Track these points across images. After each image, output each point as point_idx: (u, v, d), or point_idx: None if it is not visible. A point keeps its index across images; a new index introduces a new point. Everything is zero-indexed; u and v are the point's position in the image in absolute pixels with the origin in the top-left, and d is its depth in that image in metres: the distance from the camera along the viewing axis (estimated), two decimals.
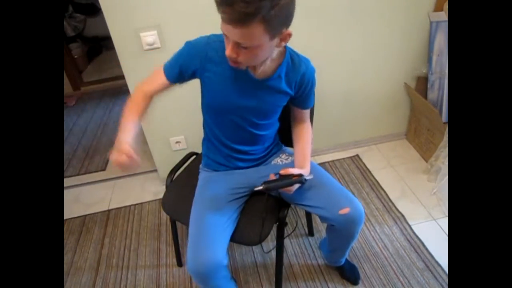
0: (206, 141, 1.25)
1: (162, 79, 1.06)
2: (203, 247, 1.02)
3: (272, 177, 1.09)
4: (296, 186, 1.08)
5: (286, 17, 0.86)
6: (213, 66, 1.02)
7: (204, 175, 1.27)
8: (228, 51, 0.89)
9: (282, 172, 1.07)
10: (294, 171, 1.07)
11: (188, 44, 1.03)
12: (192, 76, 1.06)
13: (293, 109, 1.20)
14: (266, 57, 0.97)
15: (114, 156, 0.92)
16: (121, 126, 1.02)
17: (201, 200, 1.16)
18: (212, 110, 1.13)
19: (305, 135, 1.21)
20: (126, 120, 1.03)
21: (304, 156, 1.16)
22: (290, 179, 1.06)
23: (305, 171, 1.10)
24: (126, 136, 0.99)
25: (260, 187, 1.06)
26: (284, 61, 1.03)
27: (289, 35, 0.91)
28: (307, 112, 1.21)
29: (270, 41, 0.87)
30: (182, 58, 1.03)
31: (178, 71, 1.04)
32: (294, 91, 1.09)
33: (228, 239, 1.09)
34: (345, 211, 1.06)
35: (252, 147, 1.20)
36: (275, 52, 0.99)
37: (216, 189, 1.17)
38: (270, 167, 1.24)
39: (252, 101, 1.07)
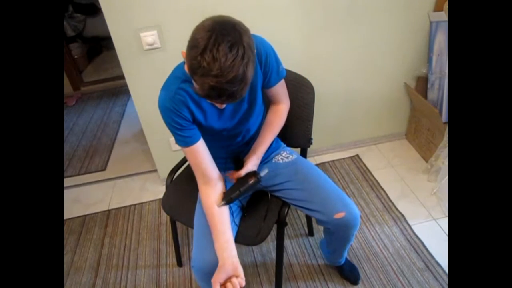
0: None
1: (196, 149, 1.02)
2: (209, 247, 1.02)
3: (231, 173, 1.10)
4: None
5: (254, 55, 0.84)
6: (196, 106, 1.00)
7: None
8: (222, 106, 0.93)
9: (236, 176, 1.08)
10: (248, 168, 1.08)
11: (163, 107, 0.98)
12: (193, 119, 1.01)
13: (266, 91, 1.13)
14: None
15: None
16: (215, 238, 1.00)
17: None
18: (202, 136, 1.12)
19: (273, 121, 1.17)
20: (216, 227, 1.01)
21: (260, 144, 1.14)
22: (246, 181, 1.06)
23: (256, 158, 1.11)
24: (231, 251, 0.97)
25: (223, 203, 1.03)
26: None
27: None
28: (278, 91, 1.13)
29: None
30: (175, 120, 0.98)
31: (191, 127, 1.00)
32: (261, 75, 1.05)
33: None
34: (340, 215, 1.06)
35: (246, 147, 1.20)
36: None
37: None
38: (271, 165, 1.23)
39: (231, 115, 1.06)
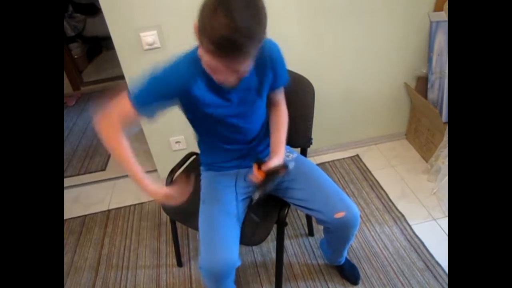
0: (201, 143, 1.25)
1: (134, 112, 0.96)
2: (218, 247, 1.02)
3: (255, 168, 1.07)
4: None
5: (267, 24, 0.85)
6: (194, 85, 0.99)
7: (207, 174, 1.26)
8: (227, 80, 0.90)
9: (264, 168, 1.05)
10: (275, 162, 1.06)
11: (161, 73, 0.96)
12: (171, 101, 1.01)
13: (270, 93, 1.15)
14: None
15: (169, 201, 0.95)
16: (130, 168, 0.99)
17: (209, 200, 1.15)
18: (199, 124, 1.12)
19: (282, 120, 1.18)
20: (127, 158, 0.99)
21: (280, 143, 1.14)
22: (277, 171, 1.04)
23: (279, 158, 1.10)
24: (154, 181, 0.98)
25: (256, 197, 1.02)
26: None
27: None
28: (281, 93, 1.18)
29: None
30: (160, 82, 0.96)
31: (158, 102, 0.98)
32: (271, 76, 1.06)
33: (238, 240, 1.09)
34: (340, 215, 1.06)
35: (248, 145, 1.20)
36: None
37: (224, 190, 1.17)
38: None
39: (236, 107, 1.06)
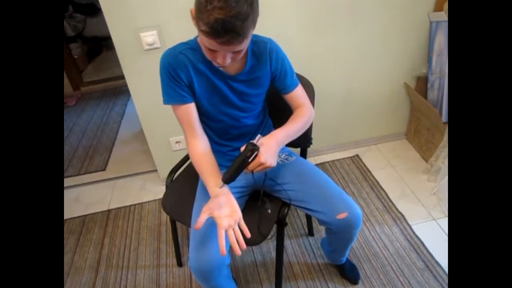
0: None
1: (191, 108, 1.05)
2: (206, 245, 1.02)
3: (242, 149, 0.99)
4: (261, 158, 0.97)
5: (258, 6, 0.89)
6: (195, 73, 1.03)
7: None
8: (225, 61, 0.92)
9: (242, 149, 0.99)
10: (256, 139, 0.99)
11: (164, 62, 1.02)
12: (189, 86, 1.05)
13: (285, 97, 1.15)
14: None
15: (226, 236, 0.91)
16: (207, 180, 1.02)
17: (202, 199, 1.15)
18: (199, 113, 1.13)
19: (298, 115, 1.14)
20: (207, 171, 1.03)
21: (283, 127, 1.09)
22: (243, 153, 0.95)
23: (268, 139, 1.01)
24: (223, 189, 0.98)
25: (221, 184, 0.96)
26: (249, 49, 1.05)
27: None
28: (298, 94, 1.15)
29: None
30: (173, 75, 1.01)
31: (185, 89, 1.04)
32: (270, 70, 1.09)
33: None
34: (342, 215, 1.06)
35: (242, 143, 1.20)
36: None
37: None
38: None
39: (235, 97, 1.09)
